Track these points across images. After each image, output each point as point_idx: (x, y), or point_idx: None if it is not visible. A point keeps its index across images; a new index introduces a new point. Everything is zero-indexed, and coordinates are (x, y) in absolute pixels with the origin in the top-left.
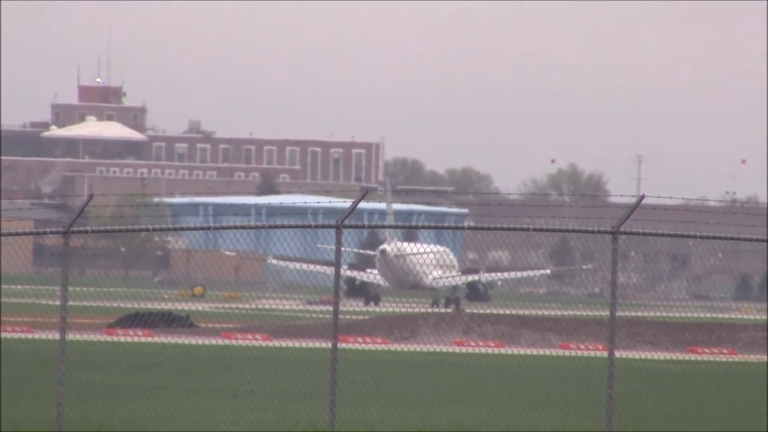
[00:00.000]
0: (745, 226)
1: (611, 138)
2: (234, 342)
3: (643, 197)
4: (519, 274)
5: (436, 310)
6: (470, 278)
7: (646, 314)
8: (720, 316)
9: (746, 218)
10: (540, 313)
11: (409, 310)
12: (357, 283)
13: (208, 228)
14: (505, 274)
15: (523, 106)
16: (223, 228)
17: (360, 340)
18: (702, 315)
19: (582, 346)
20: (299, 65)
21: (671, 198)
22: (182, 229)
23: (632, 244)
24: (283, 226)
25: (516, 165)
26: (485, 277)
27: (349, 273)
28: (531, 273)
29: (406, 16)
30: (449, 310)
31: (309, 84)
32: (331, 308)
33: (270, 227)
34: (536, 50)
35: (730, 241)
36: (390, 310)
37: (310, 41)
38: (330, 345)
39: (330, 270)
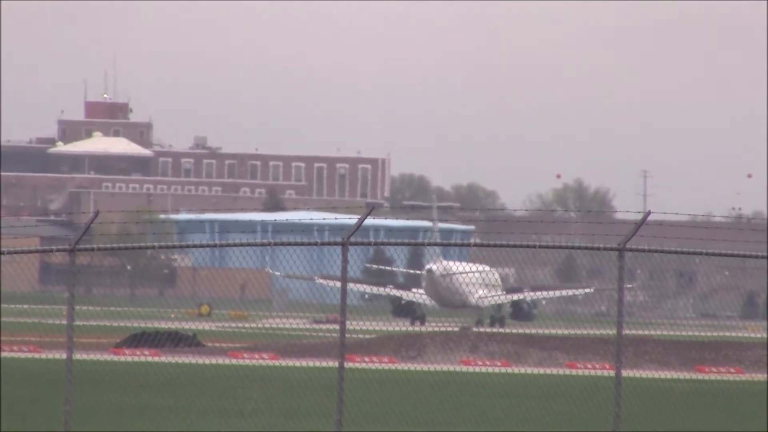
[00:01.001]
0: (751, 243)
1: (617, 152)
2: (241, 361)
3: (649, 213)
4: (563, 292)
5: (483, 329)
6: (514, 297)
7: (652, 333)
8: (727, 334)
9: (752, 234)
10: (547, 331)
11: (454, 329)
12: (403, 302)
13: (215, 245)
14: (549, 293)
15: (529, 121)
16: (229, 245)
17: (367, 359)
18: (709, 333)
19: (589, 365)
20: (305, 80)
21: (677, 214)
22: (188, 246)
23: (638, 262)
24: (288, 244)
25: (522, 180)
26: (529, 296)
27: (394, 292)
28: (574, 292)
29: (411, 31)
30: (497, 329)
31: (315, 99)
32: (337, 327)
33: (276, 244)
34: (541, 64)
35: (737, 258)
36: (436, 329)
37: (315, 56)
38: (337, 364)
39: (381, 290)
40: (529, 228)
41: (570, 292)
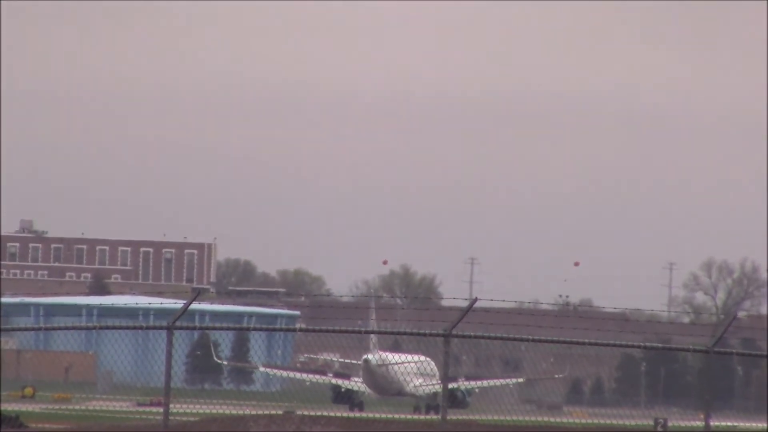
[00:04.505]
0: (578, 330)
1: (444, 240)
2: None
3: (475, 300)
4: (494, 382)
5: (418, 416)
6: (450, 386)
7: (477, 417)
8: (552, 420)
9: (579, 321)
10: (370, 415)
11: (391, 416)
12: (342, 390)
13: (39, 328)
14: (483, 382)
15: (355, 207)
16: (54, 329)
17: None
18: (534, 418)
19: None
20: (128, 166)
21: (504, 301)
22: (13, 329)
23: (464, 348)
24: (114, 327)
25: (348, 267)
26: (464, 384)
27: (333, 381)
28: (506, 381)
29: (229, 118)
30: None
31: (140, 185)
32: (161, 409)
33: (101, 328)
34: (357, 149)
35: (563, 344)
36: (372, 416)
37: (134, 142)
38: None
39: (321, 378)
40: (355, 314)
41: (502, 381)
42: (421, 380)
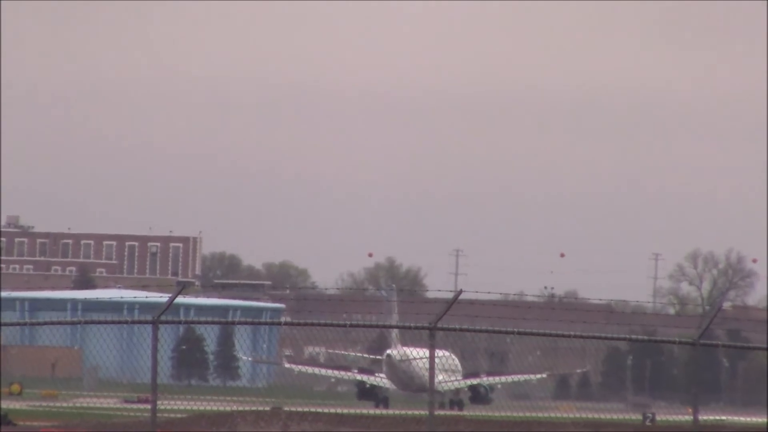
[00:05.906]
0: (564, 322)
1: (429, 232)
2: None
3: (460, 292)
4: (519, 377)
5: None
6: (471, 381)
7: (465, 413)
8: (538, 414)
9: (565, 314)
10: (358, 411)
11: (417, 413)
12: (367, 386)
13: (24, 323)
14: (506, 378)
15: (341, 199)
16: (39, 324)
17: None
18: (520, 414)
19: None
20: (112, 160)
21: (489, 293)
22: None
23: (450, 341)
24: (99, 322)
25: (334, 259)
26: (486, 380)
27: (358, 376)
28: (529, 377)
29: (205, 118)
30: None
31: (126, 179)
32: (148, 406)
33: (86, 323)
34: (347, 142)
35: (549, 337)
36: (397, 413)
37: (119, 136)
38: None
39: (345, 374)
40: (340, 306)
41: (525, 377)
42: (443, 376)
